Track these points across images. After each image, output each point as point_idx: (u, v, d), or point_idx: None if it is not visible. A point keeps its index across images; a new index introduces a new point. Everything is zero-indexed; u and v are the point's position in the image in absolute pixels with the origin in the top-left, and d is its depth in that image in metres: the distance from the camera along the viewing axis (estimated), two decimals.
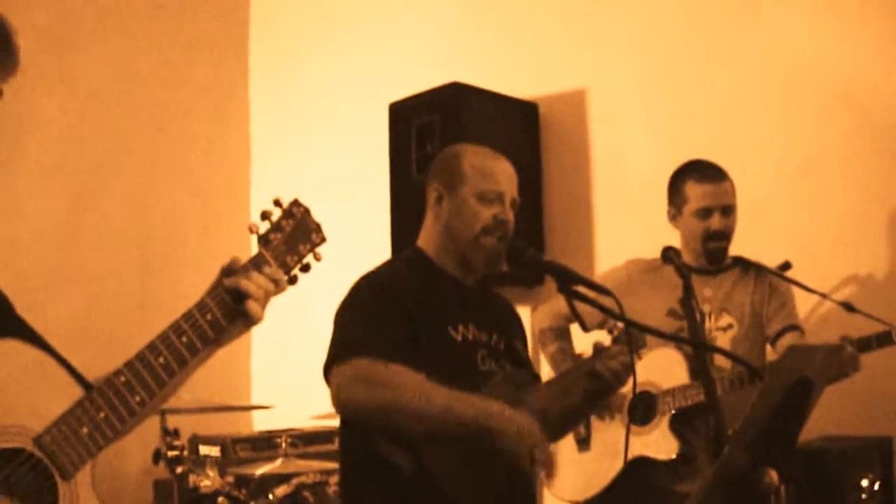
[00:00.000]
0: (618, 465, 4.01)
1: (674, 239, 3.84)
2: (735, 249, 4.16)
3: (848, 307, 3.99)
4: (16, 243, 5.44)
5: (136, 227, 6.30)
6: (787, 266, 4.15)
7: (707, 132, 4.97)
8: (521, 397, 3.06)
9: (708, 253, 4.09)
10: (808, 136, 4.71)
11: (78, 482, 2.04)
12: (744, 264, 4.18)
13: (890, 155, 4.50)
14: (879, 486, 4.16)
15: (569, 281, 3.06)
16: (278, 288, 2.30)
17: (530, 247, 3.25)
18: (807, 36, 4.77)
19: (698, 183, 4.07)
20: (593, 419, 4.17)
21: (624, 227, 5.16)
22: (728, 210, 4.06)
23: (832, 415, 4.15)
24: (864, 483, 4.12)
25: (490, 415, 2.82)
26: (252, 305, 2.23)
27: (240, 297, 2.23)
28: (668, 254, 3.61)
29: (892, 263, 4.47)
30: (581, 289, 3.06)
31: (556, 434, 3.38)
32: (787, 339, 4.05)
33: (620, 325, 3.03)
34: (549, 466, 4.18)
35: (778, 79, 4.80)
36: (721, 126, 4.95)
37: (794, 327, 4.09)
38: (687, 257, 4.13)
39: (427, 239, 3.27)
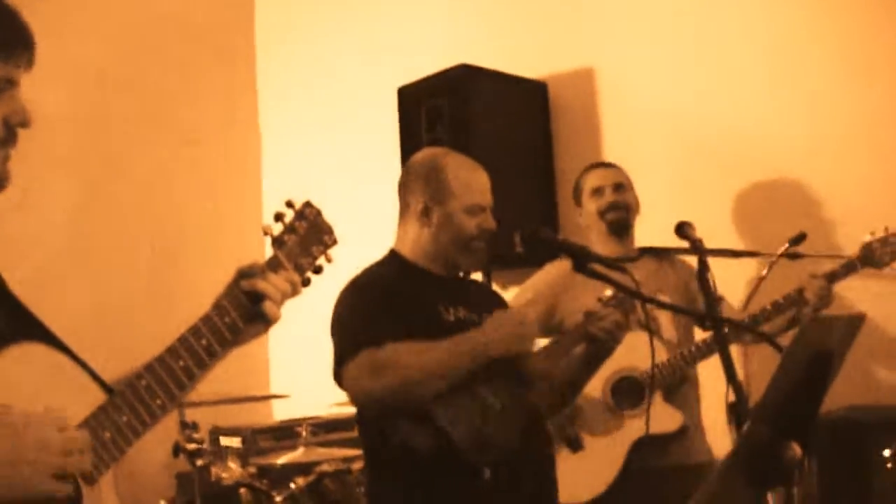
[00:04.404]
0: (621, 453, 4.01)
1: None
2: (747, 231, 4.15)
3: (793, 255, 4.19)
4: (25, 237, 5.42)
5: (146, 221, 6.31)
6: (802, 237, 4.17)
7: (717, 110, 4.95)
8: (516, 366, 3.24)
9: (609, 224, 4.26)
10: (820, 108, 4.68)
11: (101, 485, 2.03)
12: (653, 251, 4.30)
13: None
14: None
15: (585, 259, 3.12)
16: (294, 291, 2.30)
17: (544, 227, 3.30)
18: (819, 8, 4.74)
19: (587, 172, 4.40)
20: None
21: None
22: (620, 187, 4.29)
23: (856, 385, 4.16)
24: (887, 453, 4.10)
25: (484, 333, 3.11)
26: (270, 307, 2.24)
27: (257, 298, 2.23)
28: (684, 229, 3.61)
29: None
30: (596, 266, 3.10)
31: (563, 403, 3.64)
32: (721, 308, 4.09)
33: (608, 292, 3.31)
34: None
35: (791, 53, 4.76)
36: (733, 103, 4.92)
37: (721, 298, 4.12)
38: (599, 248, 4.20)
39: (408, 244, 3.42)
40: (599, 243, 4.25)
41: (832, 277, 3.92)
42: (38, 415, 1.89)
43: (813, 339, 2.30)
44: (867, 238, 3.97)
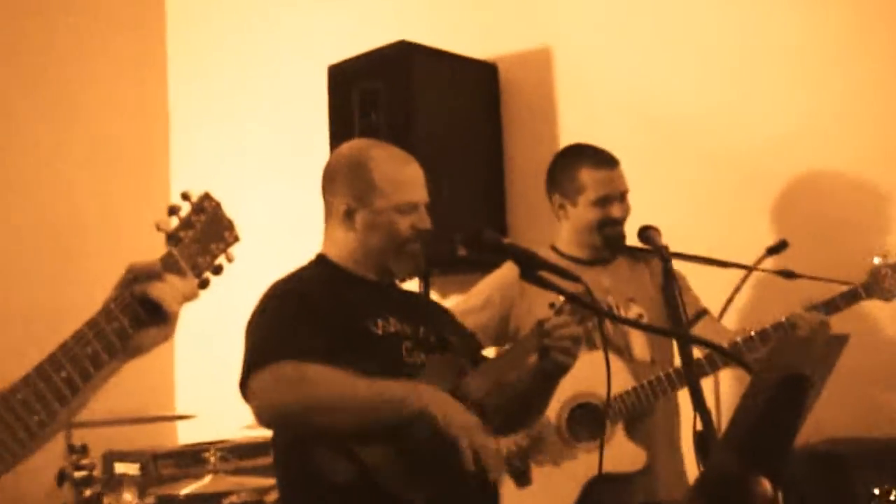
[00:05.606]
0: (573, 490, 3.97)
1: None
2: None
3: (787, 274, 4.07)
4: None
5: (38, 211, 6.25)
6: (782, 245, 4.18)
7: (684, 94, 5.00)
8: (460, 383, 3.19)
9: (606, 238, 4.10)
10: (799, 89, 4.74)
11: None
12: (629, 251, 4.18)
13: None
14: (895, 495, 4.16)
15: (532, 266, 3.12)
16: (192, 293, 2.28)
17: (488, 228, 3.28)
18: None
19: (595, 170, 4.12)
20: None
21: None
22: (624, 196, 4.11)
23: (839, 415, 4.16)
24: (877, 492, 4.07)
25: (421, 394, 3.00)
26: (168, 309, 2.21)
27: (150, 302, 2.21)
28: (648, 233, 3.64)
29: None
30: (546, 275, 3.11)
31: (516, 423, 3.60)
32: (704, 325, 4.09)
33: (562, 298, 3.16)
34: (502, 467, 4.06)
35: (764, 30, 4.82)
36: (701, 86, 4.98)
37: (705, 312, 4.14)
38: (573, 249, 4.18)
39: (335, 249, 3.41)
40: (579, 246, 4.18)
41: (829, 309, 3.76)
42: None
43: (785, 362, 2.33)
44: (876, 261, 3.79)
